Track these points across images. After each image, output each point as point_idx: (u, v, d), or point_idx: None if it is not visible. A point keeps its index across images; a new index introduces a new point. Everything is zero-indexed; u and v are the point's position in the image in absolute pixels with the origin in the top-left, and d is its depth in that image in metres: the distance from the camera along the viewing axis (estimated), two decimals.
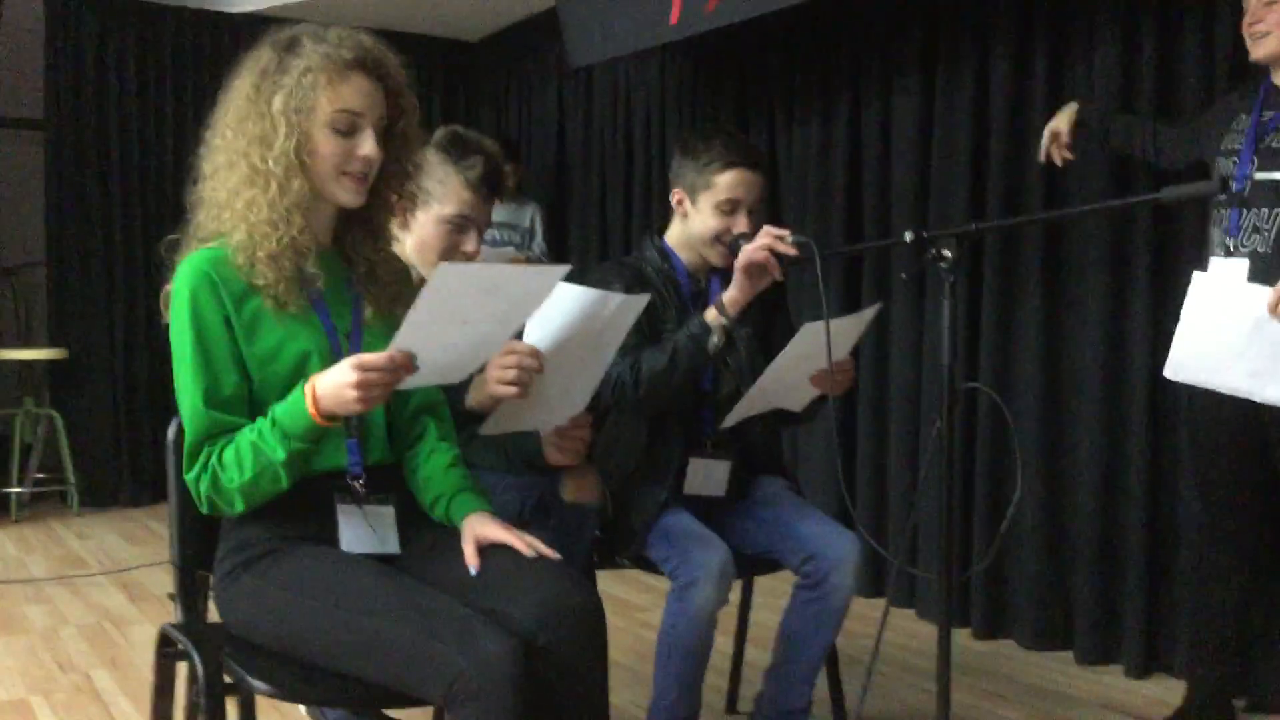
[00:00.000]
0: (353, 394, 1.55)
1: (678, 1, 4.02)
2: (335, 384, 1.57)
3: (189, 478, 1.67)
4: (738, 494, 2.47)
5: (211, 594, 1.77)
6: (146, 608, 3.82)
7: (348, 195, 1.72)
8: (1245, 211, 2.50)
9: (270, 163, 1.65)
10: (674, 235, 2.46)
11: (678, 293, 2.42)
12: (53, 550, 4.70)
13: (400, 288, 1.84)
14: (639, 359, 2.26)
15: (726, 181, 2.34)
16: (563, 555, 1.71)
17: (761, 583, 2.60)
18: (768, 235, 2.21)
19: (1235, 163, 2.53)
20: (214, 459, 1.64)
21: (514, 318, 1.69)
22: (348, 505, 1.72)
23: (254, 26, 1.79)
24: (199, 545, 1.79)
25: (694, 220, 2.39)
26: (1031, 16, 3.44)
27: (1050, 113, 3.12)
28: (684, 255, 2.45)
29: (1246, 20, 2.55)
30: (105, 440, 5.61)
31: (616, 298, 1.89)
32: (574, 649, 1.60)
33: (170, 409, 1.73)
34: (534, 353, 1.82)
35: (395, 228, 2.00)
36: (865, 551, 2.36)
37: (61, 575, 4.26)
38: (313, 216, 1.71)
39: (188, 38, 5.76)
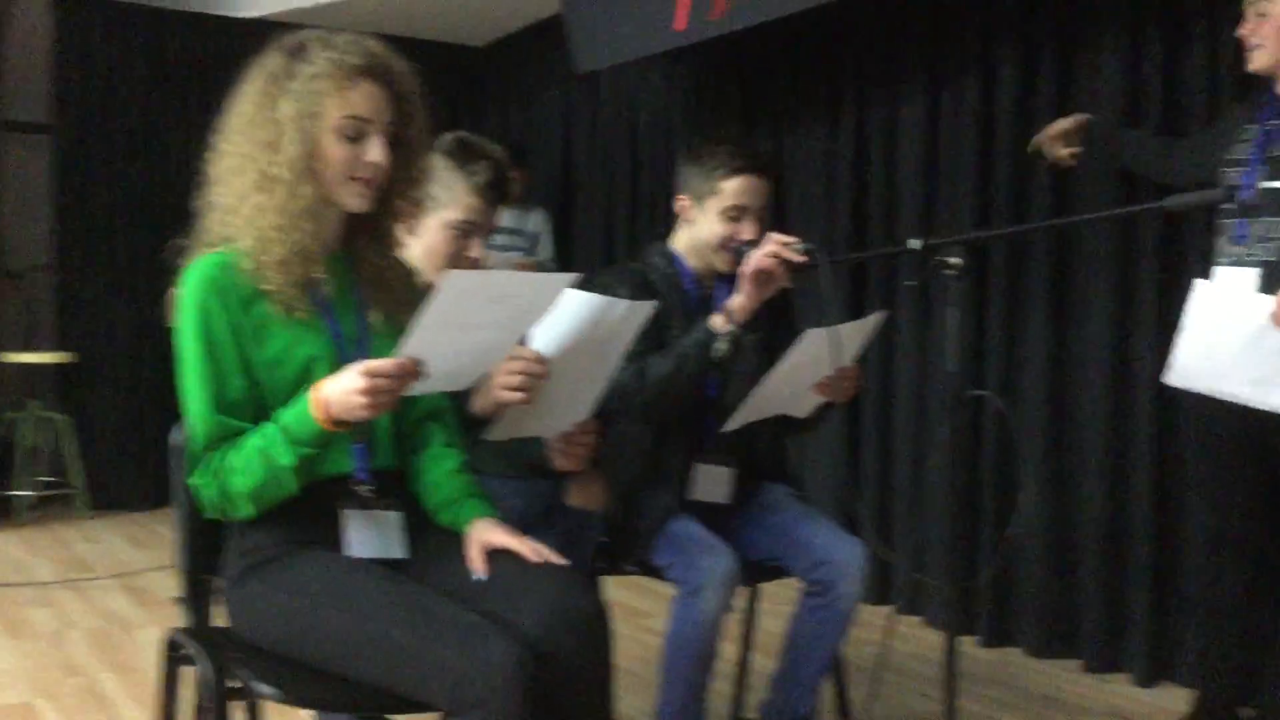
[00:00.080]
0: (361, 400, 1.55)
1: (683, 8, 4.03)
2: (344, 390, 1.57)
3: (193, 482, 1.67)
4: (743, 501, 2.46)
5: (220, 599, 1.78)
6: (153, 612, 3.83)
7: (356, 201, 1.72)
8: (1253, 220, 2.49)
9: (278, 168, 1.65)
10: (680, 241, 2.46)
11: (684, 299, 2.41)
12: (59, 553, 4.71)
13: (407, 294, 1.83)
14: (645, 365, 2.25)
15: (732, 187, 2.34)
16: (568, 561, 1.71)
17: (767, 589, 2.59)
18: (775, 242, 2.21)
19: (1242, 172, 2.53)
20: (221, 464, 1.64)
21: (521, 324, 1.70)
22: (354, 510, 1.72)
23: (262, 32, 1.79)
24: (205, 550, 1.79)
25: (700, 226, 2.39)
26: (1037, 24, 3.45)
27: (1055, 120, 3.12)
28: (690, 261, 2.45)
29: (1241, 31, 2.56)
30: (112, 444, 5.63)
31: (622, 304, 1.88)
32: (579, 655, 1.60)
33: (177, 413, 1.73)
34: (540, 358, 1.82)
35: (402, 233, 2.00)
36: (871, 558, 2.36)
37: (68, 579, 4.27)
38: (321, 222, 1.71)
39: (195, 42, 5.78)
